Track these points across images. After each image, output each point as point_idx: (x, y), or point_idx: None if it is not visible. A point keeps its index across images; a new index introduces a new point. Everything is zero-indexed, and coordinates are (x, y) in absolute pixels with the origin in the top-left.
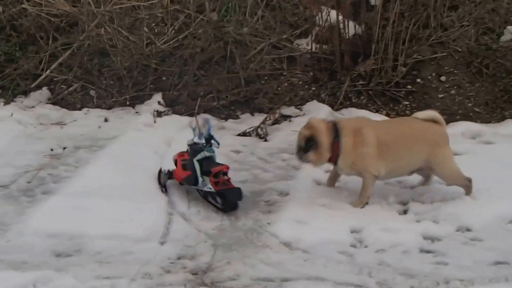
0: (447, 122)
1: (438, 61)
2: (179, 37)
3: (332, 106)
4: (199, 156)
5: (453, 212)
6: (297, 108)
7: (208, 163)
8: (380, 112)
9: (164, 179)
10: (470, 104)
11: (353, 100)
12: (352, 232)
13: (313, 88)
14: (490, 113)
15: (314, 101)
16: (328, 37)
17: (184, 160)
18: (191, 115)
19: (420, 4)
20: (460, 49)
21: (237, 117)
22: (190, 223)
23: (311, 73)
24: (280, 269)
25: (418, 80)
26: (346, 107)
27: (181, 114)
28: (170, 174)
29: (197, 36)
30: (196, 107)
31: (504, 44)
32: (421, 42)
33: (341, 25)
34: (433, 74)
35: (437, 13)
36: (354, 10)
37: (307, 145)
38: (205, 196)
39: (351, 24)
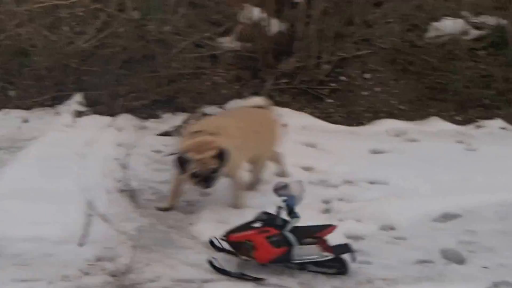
0: (372, 120)
1: (363, 59)
2: (100, 36)
3: None
4: (289, 227)
5: (377, 211)
6: (220, 107)
7: (299, 231)
8: (304, 110)
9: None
10: (394, 102)
11: (277, 99)
12: None
13: (236, 87)
14: (415, 110)
15: (237, 99)
16: (251, 35)
17: (272, 236)
18: (111, 115)
19: (344, 1)
20: (384, 46)
21: (158, 117)
22: (110, 224)
23: (234, 72)
24: (201, 270)
25: (342, 77)
26: None
27: (102, 114)
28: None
29: (118, 35)
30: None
31: (429, 41)
32: (346, 40)
33: (264, 23)
34: (358, 72)
35: (361, 10)
36: (277, 7)
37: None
38: (304, 267)
39: (274, 21)
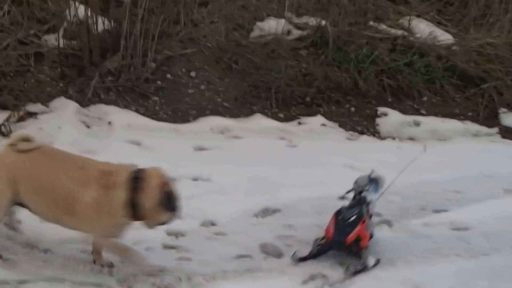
0: (197, 117)
1: (189, 57)
2: None
3: (80, 103)
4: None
5: (199, 207)
6: (44, 105)
7: None
8: (129, 108)
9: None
10: (219, 99)
11: (102, 97)
12: None
13: (61, 85)
14: (239, 108)
15: (62, 97)
16: (76, 32)
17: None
18: None
19: (170, 0)
20: (210, 45)
21: None
22: None
23: (59, 69)
24: (17, 271)
25: (168, 76)
26: (95, 104)
27: None
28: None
29: None
30: None
31: (253, 40)
32: (171, 38)
33: (90, 21)
34: (183, 70)
35: (187, 10)
36: (103, 5)
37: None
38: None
39: (100, 19)
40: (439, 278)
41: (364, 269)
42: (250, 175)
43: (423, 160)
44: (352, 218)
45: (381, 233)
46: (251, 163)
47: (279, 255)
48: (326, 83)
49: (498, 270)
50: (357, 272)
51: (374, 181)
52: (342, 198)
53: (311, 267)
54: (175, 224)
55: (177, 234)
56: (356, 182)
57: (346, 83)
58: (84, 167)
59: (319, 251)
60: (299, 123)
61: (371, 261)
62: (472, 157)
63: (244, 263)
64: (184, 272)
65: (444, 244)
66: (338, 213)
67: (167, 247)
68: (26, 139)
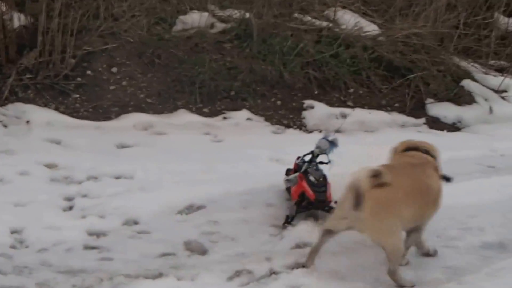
0: (119, 114)
1: (110, 52)
2: None
3: None
4: None
5: (121, 206)
6: None
7: None
8: (49, 106)
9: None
10: (142, 95)
11: (20, 95)
12: (12, 232)
13: None
14: (163, 103)
15: None
16: None
17: None
18: None
19: None
20: (132, 40)
21: None
22: None
23: None
24: None
25: (89, 72)
26: (12, 102)
27: None
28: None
29: None
30: None
31: (176, 34)
32: (91, 33)
33: (5, 16)
34: (104, 66)
35: (107, 3)
36: (19, 0)
37: None
38: None
39: (16, 15)
40: (365, 269)
41: None
42: (174, 172)
43: (351, 152)
44: (322, 179)
45: (306, 226)
46: (175, 160)
47: (203, 252)
48: (251, 77)
49: (422, 259)
50: None
51: (332, 143)
52: (304, 162)
53: (236, 263)
54: (97, 224)
55: (98, 234)
56: (318, 146)
57: (271, 76)
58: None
59: (301, 212)
60: (224, 118)
61: None
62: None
63: (168, 261)
64: (106, 272)
65: None
66: (305, 175)
67: (88, 247)
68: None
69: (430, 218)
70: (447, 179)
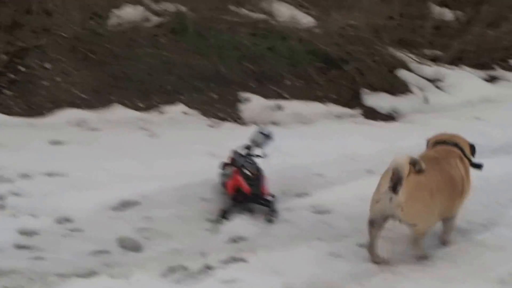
0: (53, 110)
1: (43, 48)
2: None
3: None
4: None
5: (54, 204)
6: None
7: None
8: None
9: None
10: (76, 91)
11: None
12: None
13: None
14: (98, 99)
15: None
16: None
17: None
18: None
19: None
20: (66, 35)
21: None
22: None
23: None
24: None
25: (22, 68)
26: None
27: None
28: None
29: None
30: None
31: (110, 29)
32: (24, 29)
33: None
34: (38, 62)
35: None
36: None
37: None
38: None
39: None
40: (300, 262)
41: (276, 213)
42: (109, 168)
43: (286, 144)
44: (257, 172)
45: (241, 221)
46: (109, 156)
47: (137, 248)
48: (187, 71)
49: (359, 250)
50: (273, 219)
51: (267, 136)
52: (239, 156)
53: (171, 259)
54: (29, 223)
55: (30, 233)
56: (253, 140)
57: (207, 69)
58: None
59: (235, 205)
60: (160, 113)
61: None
62: (335, 140)
63: (101, 258)
64: (37, 272)
65: (306, 229)
66: (240, 169)
67: (19, 247)
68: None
69: (459, 207)
70: (477, 166)
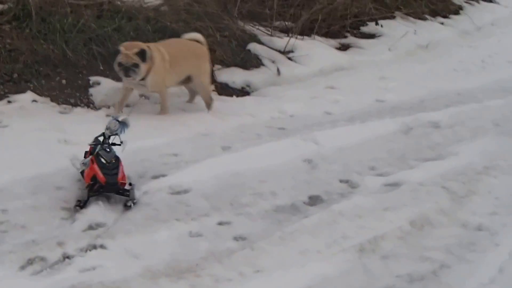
0: None
1: None
2: None
3: None
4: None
5: None
6: None
7: None
8: None
9: None
10: None
11: None
12: None
13: None
14: None
15: None
16: None
17: None
18: None
19: None
20: None
21: None
22: None
23: None
24: None
25: None
26: None
27: None
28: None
29: None
30: None
31: None
32: None
33: None
34: None
35: None
36: None
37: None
38: None
39: None
40: (160, 245)
41: (135, 201)
42: None
43: (139, 127)
44: (113, 161)
45: (98, 207)
46: None
47: None
48: (34, 57)
49: (218, 229)
50: (130, 205)
51: (123, 123)
52: (97, 144)
53: (28, 251)
54: None
55: None
56: (108, 128)
57: (54, 55)
58: None
59: (93, 195)
60: (9, 102)
61: (135, 193)
62: (189, 119)
63: None
64: None
65: (163, 210)
66: (96, 158)
67: None
68: None
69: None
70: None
